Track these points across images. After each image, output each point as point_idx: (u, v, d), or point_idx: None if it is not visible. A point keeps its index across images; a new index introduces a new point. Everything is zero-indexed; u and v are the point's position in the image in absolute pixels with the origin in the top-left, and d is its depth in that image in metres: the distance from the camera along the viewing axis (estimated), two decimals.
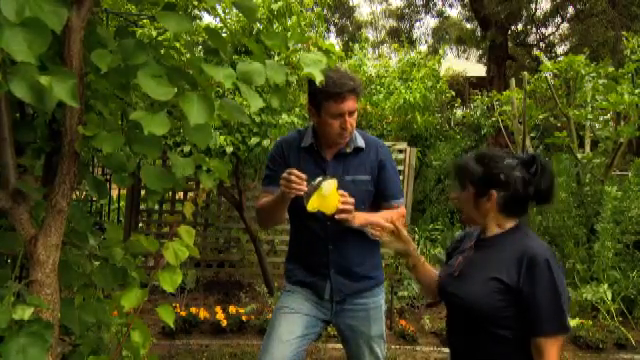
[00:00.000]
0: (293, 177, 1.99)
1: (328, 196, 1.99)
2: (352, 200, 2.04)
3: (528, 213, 1.74)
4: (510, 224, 1.68)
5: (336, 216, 2.03)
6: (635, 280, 5.09)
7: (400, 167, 5.78)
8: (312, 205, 1.98)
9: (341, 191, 2.03)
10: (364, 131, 2.38)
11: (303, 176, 2.00)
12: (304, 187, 1.98)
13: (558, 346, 1.53)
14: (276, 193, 2.16)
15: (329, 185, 2.00)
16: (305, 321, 2.24)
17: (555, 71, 6.27)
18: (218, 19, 4.81)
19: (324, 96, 2.09)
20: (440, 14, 19.04)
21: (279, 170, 2.26)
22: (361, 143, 2.25)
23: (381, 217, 2.20)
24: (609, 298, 4.87)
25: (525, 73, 6.72)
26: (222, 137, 4.07)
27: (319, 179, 2.01)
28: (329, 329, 4.06)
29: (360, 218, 2.10)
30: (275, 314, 2.29)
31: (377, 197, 2.27)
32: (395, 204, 2.28)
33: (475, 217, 1.72)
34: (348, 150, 2.23)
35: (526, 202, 1.66)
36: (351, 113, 2.13)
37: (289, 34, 1.58)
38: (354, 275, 2.24)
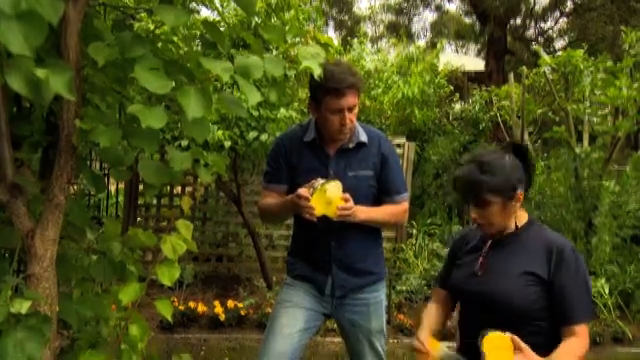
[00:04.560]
0: (304, 202, 1.98)
1: (334, 201, 1.99)
2: (350, 204, 2.02)
3: (524, 207, 1.76)
4: (524, 217, 1.73)
5: (335, 218, 2.03)
6: (632, 274, 5.11)
7: None
8: (318, 211, 1.99)
9: (345, 195, 2.02)
10: (366, 124, 2.36)
11: (310, 193, 2.00)
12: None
13: (588, 329, 1.64)
14: (284, 202, 2.15)
15: (336, 190, 1.99)
16: (306, 315, 2.24)
17: (554, 65, 6.27)
18: (216, 13, 4.79)
19: (324, 91, 2.05)
20: (439, 8, 18.99)
21: (280, 167, 2.25)
22: (364, 138, 2.21)
23: (383, 212, 2.21)
24: (606, 292, 4.88)
25: (523, 67, 6.72)
26: (220, 131, 4.06)
27: (321, 181, 2.00)
28: (327, 323, 4.07)
29: (362, 213, 2.09)
30: (276, 308, 2.29)
31: (380, 192, 2.24)
32: (398, 199, 2.26)
33: (504, 224, 1.69)
34: (351, 145, 2.20)
35: (527, 189, 1.72)
36: (350, 109, 2.09)
37: (287, 28, 1.58)
38: (356, 271, 2.23)
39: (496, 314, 1.64)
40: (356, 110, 2.14)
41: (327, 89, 2.04)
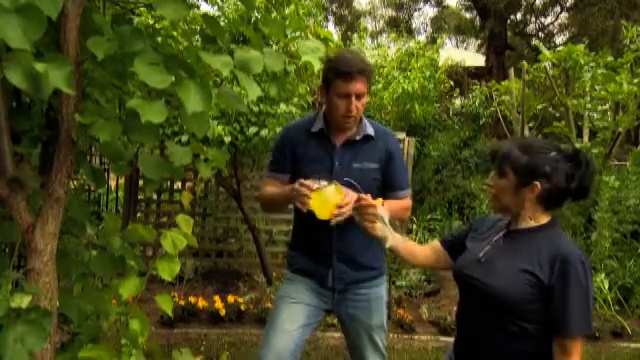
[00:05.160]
0: (303, 189, 1.97)
1: (328, 204, 1.97)
2: (345, 210, 1.97)
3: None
4: (545, 218, 1.67)
5: (332, 222, 1.99)
6: (632, 269, 5.12)
7: None
8: (312, 206, 1.99)
9: (347, 198, 1.97)
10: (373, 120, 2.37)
11: (313, 187, 1.97)
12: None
13: (581, 345, 1.56)
14: (283, 190, 2.14)
15: (334, 195, 1.97)
16: (307, 311, 2.24)
17: (554, 61, 6.25)
18: (216, 7, 4.78)
19: (333, 73, 2.09)
20: (439, 3, 18.95)
21: (285, 157, 2.25)
22: (371, 131, 2.23)
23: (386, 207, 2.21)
24: (606, 287, 4.89)
25: (524, 63, 6.70)
26: (220, 127, 4.05)
27: (324, 183, 1.98)
28: (327, 318, 4.08)
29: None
30: (276, 304, 2.29)
31: (384, 187, 2.25)
32: (401, 195, 2.27)
33: (510, 207, 1.68)
34: (358, 137, 2.21)
35: (565, 197, 1.66)
36: (358, 96, 2.11)
37: (287, 22, 1.57)
38: (356, 264, 2.23)
39: (488, 304, 1.63)
40: (364, 100, 2.16)
41: (337, 71, 2.08)
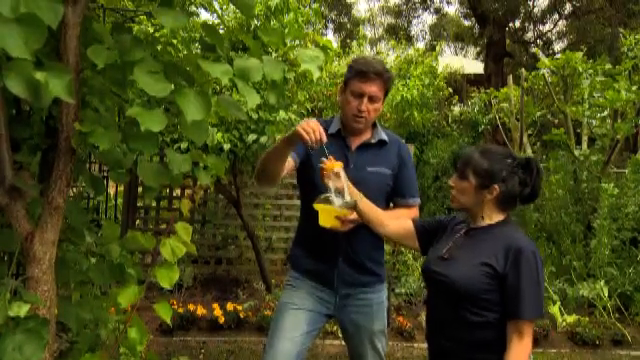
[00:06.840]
0: (308, 125, 1.91)
1: (332, 216, 2.00)
2: (349, 224, 2.05)
3: (523, 210, 1.84)
4: (500, 217, 1.83)
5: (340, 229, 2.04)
6: (631, 277, 5.11)
7: None
8: (317, 207, 2.01)
9: (351, 217, 2.01)
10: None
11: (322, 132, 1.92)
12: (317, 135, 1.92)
13: (533, 327, 1.72)
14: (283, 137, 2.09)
15: (338, 210, 1.98)
16: (309, 317, 2.23)
17: (552, 68, 6.28)
18: (215, 16, 4.80)
19: (351, 72, 2.16)
20: (437, 11, 19.02)
21: (299, 147, 2.20)
22: (384, 137, 2.27)
23: (390, 215, 2.21)
24: (605, 294, 4.88)
25: (522, 70, 6.73)
26: (219, 134, 4.06)
27: (335, 200, 1.98)
28: (327, 326, 4.07)
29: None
30: (279, 311, 2.28)
31: (395, 194, 2.28)
32: (412, 202, 2.30)
33: (469, 206, 1.84)
34: (373, 141, 2.25)
35: (517, 200, 1.83)
36: (372, 98, 2.15)
37: (286, 30, 1.58)
38: (360, 267, 2.24)
39: (451, 297, 1.75)
40: (377, 106, 2.18)
41: (354, 70, 2.14)
